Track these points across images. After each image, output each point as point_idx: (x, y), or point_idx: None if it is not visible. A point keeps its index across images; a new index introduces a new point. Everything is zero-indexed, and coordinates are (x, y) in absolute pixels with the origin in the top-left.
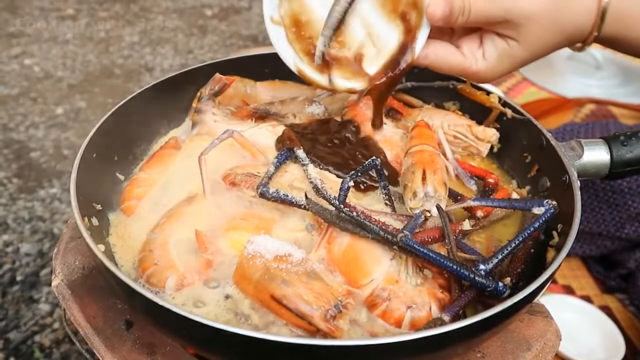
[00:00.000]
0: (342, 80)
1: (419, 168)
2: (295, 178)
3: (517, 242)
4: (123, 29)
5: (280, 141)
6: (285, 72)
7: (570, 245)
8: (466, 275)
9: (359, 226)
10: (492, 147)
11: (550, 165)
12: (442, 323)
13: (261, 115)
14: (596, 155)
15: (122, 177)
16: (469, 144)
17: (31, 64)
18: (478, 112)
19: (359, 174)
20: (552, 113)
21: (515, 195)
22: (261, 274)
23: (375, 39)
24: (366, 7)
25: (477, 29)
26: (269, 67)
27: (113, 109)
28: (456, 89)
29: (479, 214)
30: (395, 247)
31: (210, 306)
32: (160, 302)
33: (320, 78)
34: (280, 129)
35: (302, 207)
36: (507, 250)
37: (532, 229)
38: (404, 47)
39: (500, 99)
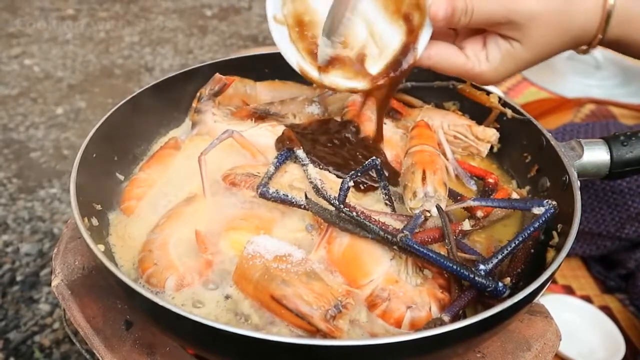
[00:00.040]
0: (344, 80)
1: (419, 168)
2: (295, 178)
3: (517, 242)
4: (123, 29)
5: (280, 141)
6: (285, 72)
7: (570, 245)
8: (466, 275)
9: (359, 226)
10: (492, 147)
11: (550, 165)
12: (442, 323)
13: (261, 115)
14: (596, 155)
15: (122, 177)
16: (469, 144)
17: (31, 64)
18: (478, 112)
19: (359, 174)
20: (552, 113)
21: (515, 195)
22: (261, 274)
23: (377, 39)
24: (369, 8)
25: (481, 31)
26: (269, 67)
27: (113, 109)
28: (456, 89)
29: (479, 214)
30: (395, 247)
31: (210, 306)
32: (160, 302)
33: (322, 77)
34: (280, 129)
35: (302, 207)
36: (507, 250)
37: (532, 229)
38: (407, 48)
39: (500, 99)
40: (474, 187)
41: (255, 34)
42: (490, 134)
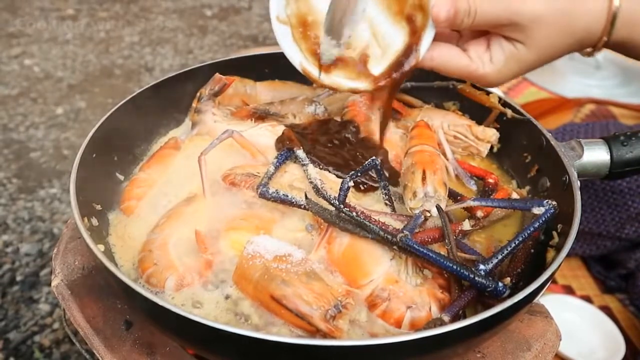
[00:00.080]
0: (347, 81)
1: (419, 168)
2: (295, 178)
3: (517, 242)
4: (123, 29)
5: (280, 141)
6: (285, 72)
7: (570, 245)
8: (466, 276)
9: (359, 226)
10: (492, 147)
11: (550, 165)
12: (442, 323)
13: (261, 115)
14: (596, 155)
15: (122, 177)
16: (469, 144)
17: (31, 64)
18: (478, 112)
19: (359, 174)
20: (552, 113)
21: (515, 195)
22: (261, 274)
23: (380, 40)
24: (372, 9)
25: (485, 33)
26: (269, 67)
27: (113, 109)
28: (456, 89)
29: (479, 214)
30: (395, 247)
31: (210, 306)
32: (160, 302)
33: (324, 77)
34: (280, 129)
35: (302, 207)
36: (507, 250)
37: (532, 229)
38: (409, 49)
39: (500, 99)
40: (474, 187)
41: (255, 34)
42: (490, 134)
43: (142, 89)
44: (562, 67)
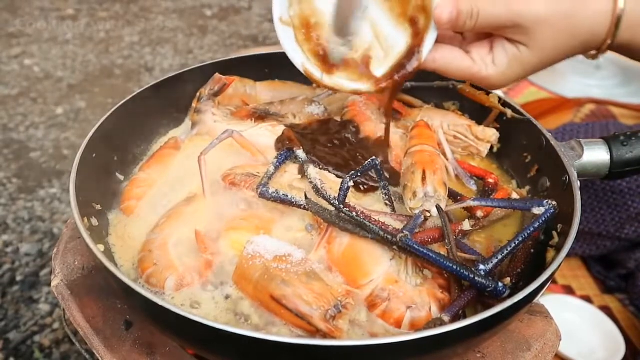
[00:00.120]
0: (349, 82)
1: (419, 168)
2: (295, 178)
3: (517, 242)
4: (123, 29)
5: (280, 141)
6: (285, 72)
7: (570, 246)
8: (466, 276)
9: (359, 226)
10: (492, 147)
11: (550, 165)
12: (442, 323)
13: (261, 116)
14: (596, 155)
15: (122, 177)
16: (469, 144)
17: (31, 64)
18: (478, 112)
19: (359, 174)
20: (552, 113)
21: (515, 195)
22: (261, 274)
23: (383, 41)
24: (375, 11)
25: (488, 35)
26: (269, 67)
27: (113, 109)
28: (456, 89)
29: (479, 214)
30: (395, 247)
31: (210, 306)
32: (160, 302)
33: (327, 79)
34: (280, 129)
35: (302, 207)
36: (507, 250)
37: (532, 229)
38: (412, 51)
39: (500, 99)
40: (474, 187)
41: (255, 34)
42: (490, 134)
43: (142, 89)
44: (562, 67)
